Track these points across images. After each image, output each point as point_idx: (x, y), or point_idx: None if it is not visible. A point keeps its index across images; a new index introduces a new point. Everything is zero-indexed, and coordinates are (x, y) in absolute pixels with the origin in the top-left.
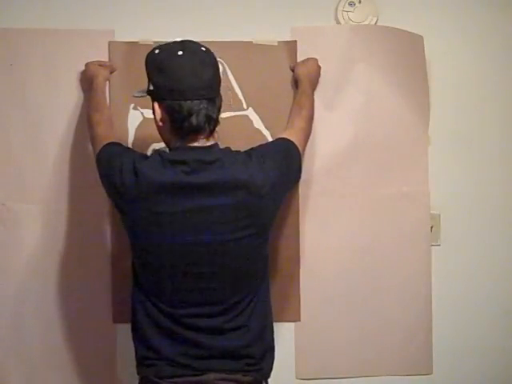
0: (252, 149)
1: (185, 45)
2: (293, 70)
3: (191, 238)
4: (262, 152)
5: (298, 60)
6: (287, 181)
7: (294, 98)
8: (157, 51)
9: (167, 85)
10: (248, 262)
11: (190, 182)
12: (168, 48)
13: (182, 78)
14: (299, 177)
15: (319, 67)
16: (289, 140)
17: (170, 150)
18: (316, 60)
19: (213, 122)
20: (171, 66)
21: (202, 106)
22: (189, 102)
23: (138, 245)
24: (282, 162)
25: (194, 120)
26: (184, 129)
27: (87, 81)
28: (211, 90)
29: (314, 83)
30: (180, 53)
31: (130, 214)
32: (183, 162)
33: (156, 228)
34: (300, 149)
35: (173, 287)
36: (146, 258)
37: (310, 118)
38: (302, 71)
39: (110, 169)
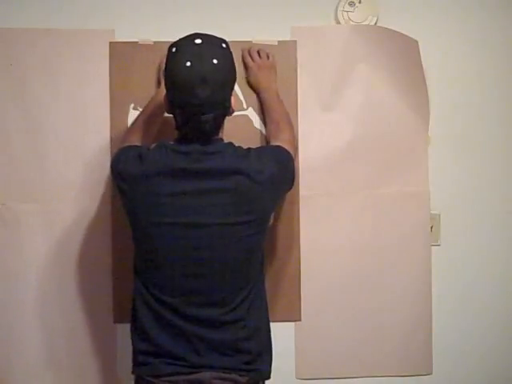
0: (250, 147)
1: (197, 52)
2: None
3: (190, 219)
4: (260, 150)
5: (298, 60)
6: (283, 179)
7: (266, 113)
8: (173, 49)
9: (169, 92)
10: (245, 251)
11: (191, 167)
12: (182, 52)
13: (180, 92)
14: (292, 182)
15: (269, 71)
16: (280, 146)
17: (175, 139)
18: (266, 67)
19: (205, 133)
20: (176, 77)
21: (196, 118)
22: (185, 113)
23: (139, 229)
24: (278, 161)
25: (186, 128)
26: (180, 131)
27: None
28: (207, 107)
29: (275, 90)
30: (188, 64)
31: (131, 195)
32: (186, 153)
33: (156, 209)
34: (292, 155)
35: (171, 274)
36: (145, 244)
37: (291, 130)
38: (261, 86)
39: (117, 158)
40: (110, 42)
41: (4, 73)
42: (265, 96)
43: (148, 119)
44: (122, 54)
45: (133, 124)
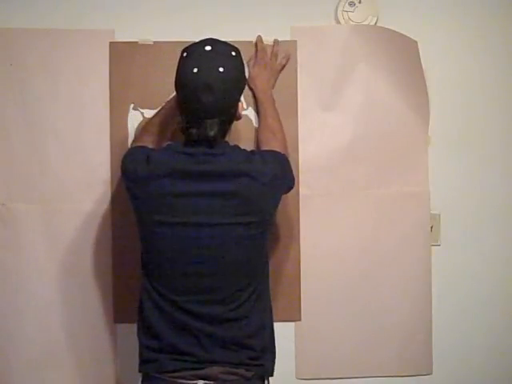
0: (254, 150)
1: (205, 59)
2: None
3: (194, 219)
4: (263, 153)
5: (298, 60)
6: (284, 181)
7: (262, 116)
8: (185, 54)
9: (178, 95)
10: (248, 252)
11: (196, 169)
12: (191, 58)
13: (186, 96)
14: (293, 184)
15: (273, 75)
16: (281, 152)
17: (182, 141)
18: (272, 70)
19: (210, 137)
20: (183, 82)
21: (201, 123)
22: (190, 116)
23: (144, 228)
24: (281, 163)
25: (191, 132)
26: (186, 133)
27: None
28: (212, 112)
29: (272, 94)
30: (195, 70)
31: (137, 194)
32: (191, 155)
33: (160, 209)
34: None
35: (175, 272)
36: (150, 242)
37: (284, 140)
38: (260, 84)
39: (126, 158)
40: (110, 42)
41: (4, 73)
42: (261, 96)
43: (164, 120)
44: (121, 53)
45: (148, 123)
